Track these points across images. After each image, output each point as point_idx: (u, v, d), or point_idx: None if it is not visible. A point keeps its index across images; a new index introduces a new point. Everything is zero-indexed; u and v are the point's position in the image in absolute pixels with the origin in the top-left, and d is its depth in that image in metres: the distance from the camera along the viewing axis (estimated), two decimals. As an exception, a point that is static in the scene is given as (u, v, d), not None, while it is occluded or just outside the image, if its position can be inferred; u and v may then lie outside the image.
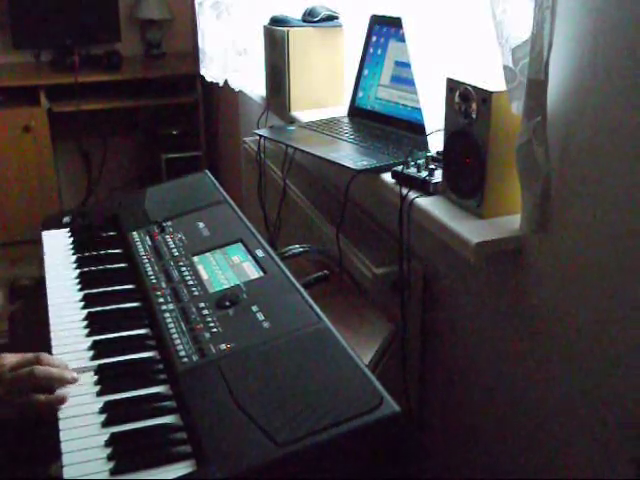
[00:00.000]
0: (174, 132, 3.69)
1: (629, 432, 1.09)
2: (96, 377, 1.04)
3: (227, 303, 1.13)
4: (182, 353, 1.04)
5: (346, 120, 1.84)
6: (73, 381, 1.03)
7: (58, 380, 1.02)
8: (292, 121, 1.97)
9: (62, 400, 0.99)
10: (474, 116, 1.23)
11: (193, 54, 3.38)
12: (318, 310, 1.07)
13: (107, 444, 0.91)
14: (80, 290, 1.30)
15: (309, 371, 0.95)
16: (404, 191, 1.38)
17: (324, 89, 2.03)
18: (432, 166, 1.39)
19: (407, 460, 0.90)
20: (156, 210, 1.52)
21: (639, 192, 1.01)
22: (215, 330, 1.07)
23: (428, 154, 1.41)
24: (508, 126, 1.19)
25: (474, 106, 1.22)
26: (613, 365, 1.10)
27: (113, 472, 0.87)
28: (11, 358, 1.04)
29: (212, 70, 2.73)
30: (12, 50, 3.54)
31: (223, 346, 1.03)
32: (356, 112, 1.86)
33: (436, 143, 1.44)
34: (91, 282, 1.32)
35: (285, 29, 1.96)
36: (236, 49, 2.48)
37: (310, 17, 2.00)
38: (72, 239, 1.50)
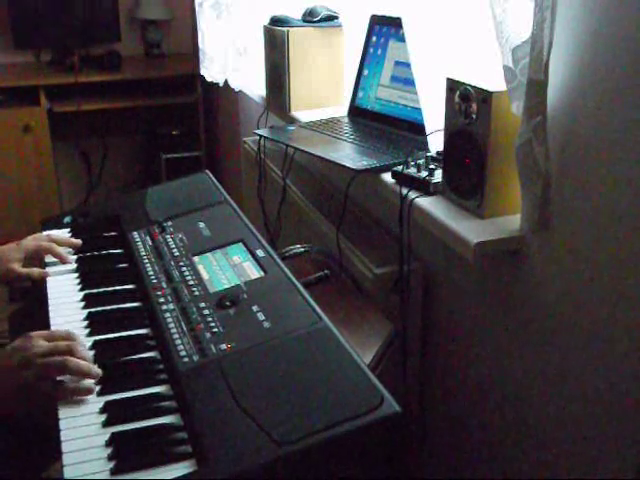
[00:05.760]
0: (174, 132, 3.69)
1: (629, 432, 1.09)
2: (96, 377, 1.04)
3: (227, 303, 1.13)
4: (183, 353, 1.04)
5: (346, 120, 1.84)
6: (97, 377, 1.03)
7: (87, 375, 1.02)
8: (292, 121, 1.97)
9: (90, 390, 1.00)
10: (474, 116, 1.23)
11: (193, 54, 3.37)
12: (318, 310, 1.07)
13: (107, 444, 0.91)
14: (80, 290, 1.30)
15: (309, 371, 0.95)
16: (404, 191, 1.38)
17: (324, 89, 2.03)
18: (432, 166, 1.39)
19: (407, 460, 0.90)
20: (156, 210, 1.52)
21: (639, 192, 1.01)
22: (216, 330, 1.07)
23: (428, 154, 1.41)
24: (508, 126, 1.19)
25: (474, 106, 1.22)
26: (614, 364, 1.10)
27: (113, 472, 0.86)
28: (41, 342, 1.02)
29: (212, 70, 2.74)
30: (12, 50, 3.54)
31: (224, 346, 1.03)
32: (356, 112, 1.86)
33: (436, 143, 1.44)
34: (91, 282, 1.32)
35: (285, 29, 1.96)
36: (236, 49, 2.48)
37: (310, 17, 2.00)
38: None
